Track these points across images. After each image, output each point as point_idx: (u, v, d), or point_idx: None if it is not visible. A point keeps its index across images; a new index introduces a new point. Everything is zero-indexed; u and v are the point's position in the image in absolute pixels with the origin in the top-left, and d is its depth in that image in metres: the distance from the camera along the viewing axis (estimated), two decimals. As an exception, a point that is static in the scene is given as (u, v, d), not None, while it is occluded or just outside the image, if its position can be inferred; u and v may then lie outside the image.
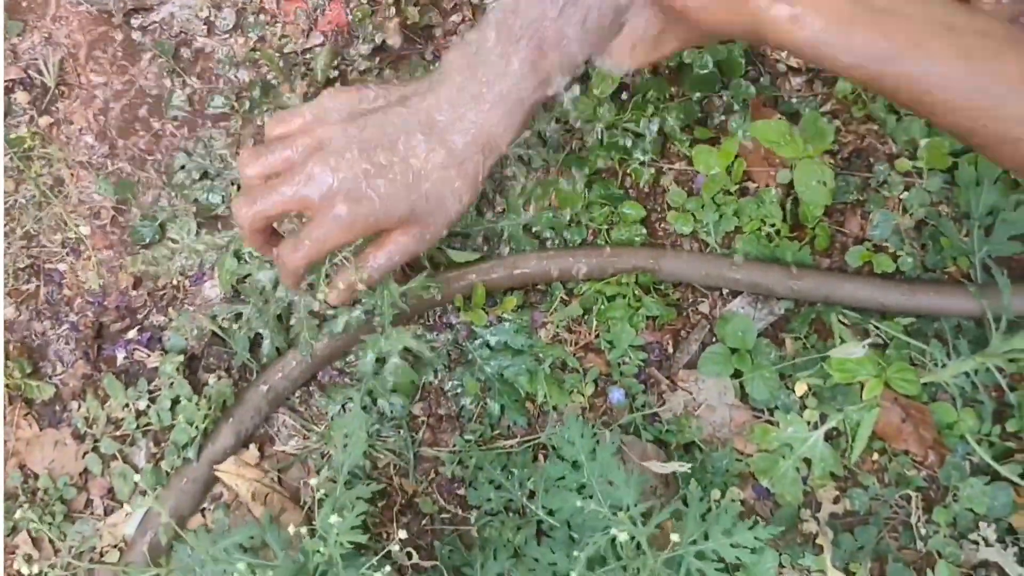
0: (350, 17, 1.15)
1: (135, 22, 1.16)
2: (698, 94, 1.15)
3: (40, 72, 1.12)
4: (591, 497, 0.97)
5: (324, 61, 1.12)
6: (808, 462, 1.08)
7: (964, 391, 1.08)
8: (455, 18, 1.19)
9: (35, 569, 1.00)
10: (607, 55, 0.79)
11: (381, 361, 1.05)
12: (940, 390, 1.09)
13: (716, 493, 1.07)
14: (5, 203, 1.11)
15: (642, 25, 0.77)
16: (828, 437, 1.08)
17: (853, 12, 0.68)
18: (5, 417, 1.07)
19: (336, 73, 1.14)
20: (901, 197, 1.14)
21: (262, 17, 1.15)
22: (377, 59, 1.15)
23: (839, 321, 1.09)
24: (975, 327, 1.11)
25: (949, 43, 0.68)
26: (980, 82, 0.67)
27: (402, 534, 0.92)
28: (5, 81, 1.13)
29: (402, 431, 1.08)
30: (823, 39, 0.68)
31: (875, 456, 1.10)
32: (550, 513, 1.01)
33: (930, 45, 0.68)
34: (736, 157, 1.13)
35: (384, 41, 1.15)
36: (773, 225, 1.12)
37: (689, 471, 1.05)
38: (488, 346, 1.10)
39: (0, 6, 1.13)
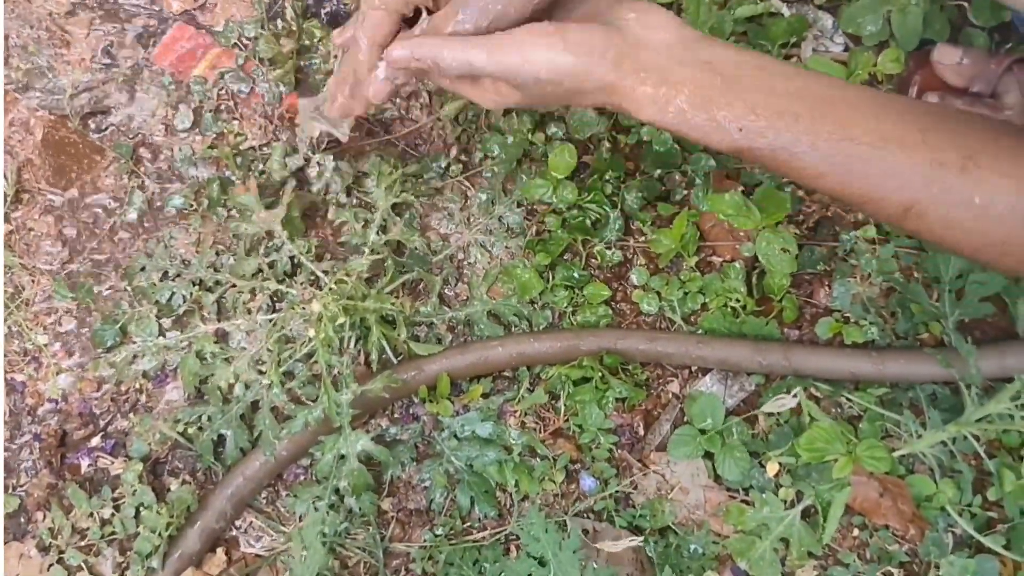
0: (307, 109, 1.15)
1: (93, 124, 1.16)
2: (659, 171, 1.14)
3: (-1, 180, 1.12)
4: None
5: (278, 157, 1.11)
6: (786, 541, 1.05)
7: (941, 461, 1.06)
8: (413, 103, 1.19)
9: None
10: None
11: (343, 458, 1.04)
12: (917, 461, 1.07)
13: (693, 579, 1.04)
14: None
15: None
16: (805, 515, 1.05)
17: (711, 87, 0.68)
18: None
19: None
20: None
21: (220, 114, 1.15)
22: (334, 152, 1.15)
23: (807, 396, 1.07)
24: (951, 393, 1.09)
25: (811, 119, 0.67)
26: (833, 149, 0.67)
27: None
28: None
29: (371, 528, 1.06)
30: (685, 118, 0.68)
31: (855, 532, 1.07)
32: (522, 609, 0.99)
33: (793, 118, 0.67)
34: (697, 231, 1.12)
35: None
36: (738, 300, 1.10)
37: (642, 543, 1.02)
38: (456, 436, 1.09)
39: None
